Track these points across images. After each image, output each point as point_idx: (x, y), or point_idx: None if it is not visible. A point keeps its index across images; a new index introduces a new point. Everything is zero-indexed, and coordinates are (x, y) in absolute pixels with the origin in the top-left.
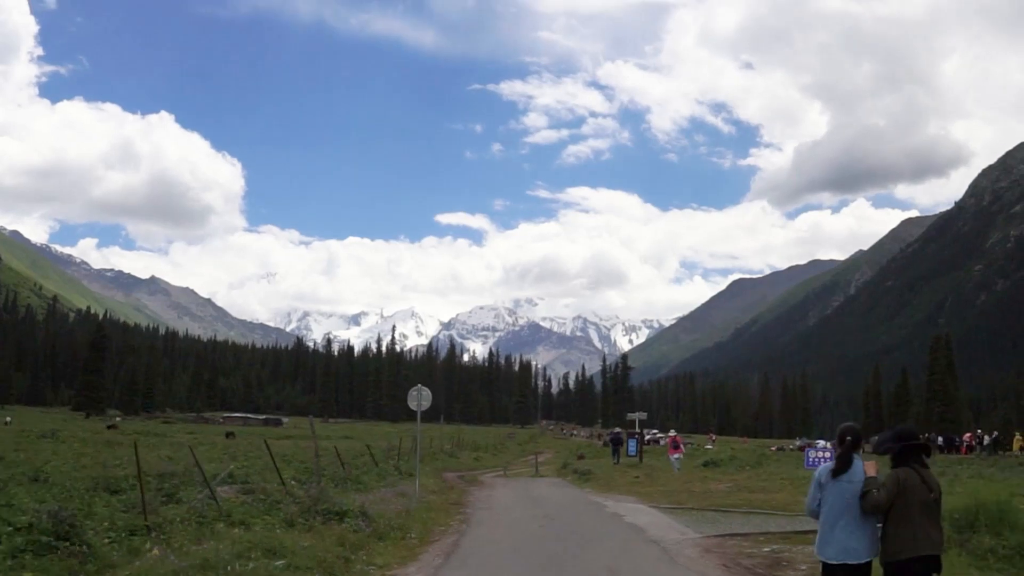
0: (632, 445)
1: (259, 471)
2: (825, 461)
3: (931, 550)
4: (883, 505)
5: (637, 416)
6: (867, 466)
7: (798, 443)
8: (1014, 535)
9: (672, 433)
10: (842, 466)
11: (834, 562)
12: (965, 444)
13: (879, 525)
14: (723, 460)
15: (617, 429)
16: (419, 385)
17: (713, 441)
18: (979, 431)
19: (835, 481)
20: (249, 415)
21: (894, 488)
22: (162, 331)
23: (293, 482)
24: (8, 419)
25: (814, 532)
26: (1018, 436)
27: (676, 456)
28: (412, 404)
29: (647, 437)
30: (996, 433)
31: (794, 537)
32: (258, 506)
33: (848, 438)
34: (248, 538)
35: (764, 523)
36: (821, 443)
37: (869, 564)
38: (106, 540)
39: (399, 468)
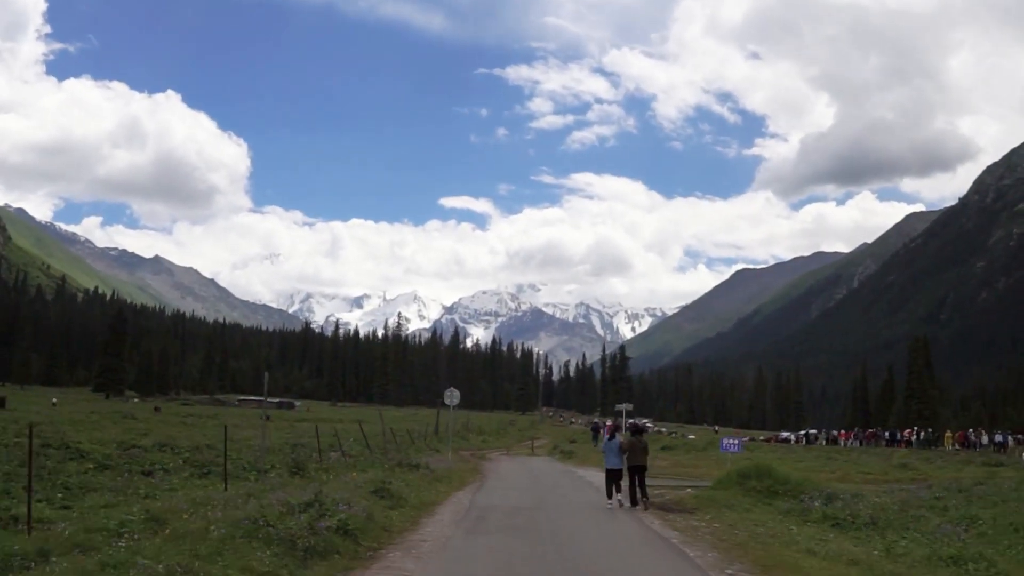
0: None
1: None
2: (735, 448)
3: (640, 462)
4: (625, 448)
5: (624, 407)
6: (621, 437)
7: (761, 437)
8: (767, 480)
9: (608, 422)
10: (610, 437)
11: (609, 468)
12: (904, 439)
13: (624, 456)
14: (677, 445)
15: (596, 420)
16: (451, 388)
17: (715, 432)
18: (916, 428)
19: (608, 442)
20: (263, 398)
21: (626, 444)
22: (168, 312)
23: (367, 451)
24: (55, 400)
25: (698, 486)
26: (948, 434)
27: (612, 443)
28: (447, 400)
29: (633, 424)
30: (930, 430)
31: (683, 488)
32: (366, 462)
33: (613, 428)
34: (375, 475)
35: (676, 482)
36: (734, 440)
37: (620, 470)
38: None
39: (429, 445)
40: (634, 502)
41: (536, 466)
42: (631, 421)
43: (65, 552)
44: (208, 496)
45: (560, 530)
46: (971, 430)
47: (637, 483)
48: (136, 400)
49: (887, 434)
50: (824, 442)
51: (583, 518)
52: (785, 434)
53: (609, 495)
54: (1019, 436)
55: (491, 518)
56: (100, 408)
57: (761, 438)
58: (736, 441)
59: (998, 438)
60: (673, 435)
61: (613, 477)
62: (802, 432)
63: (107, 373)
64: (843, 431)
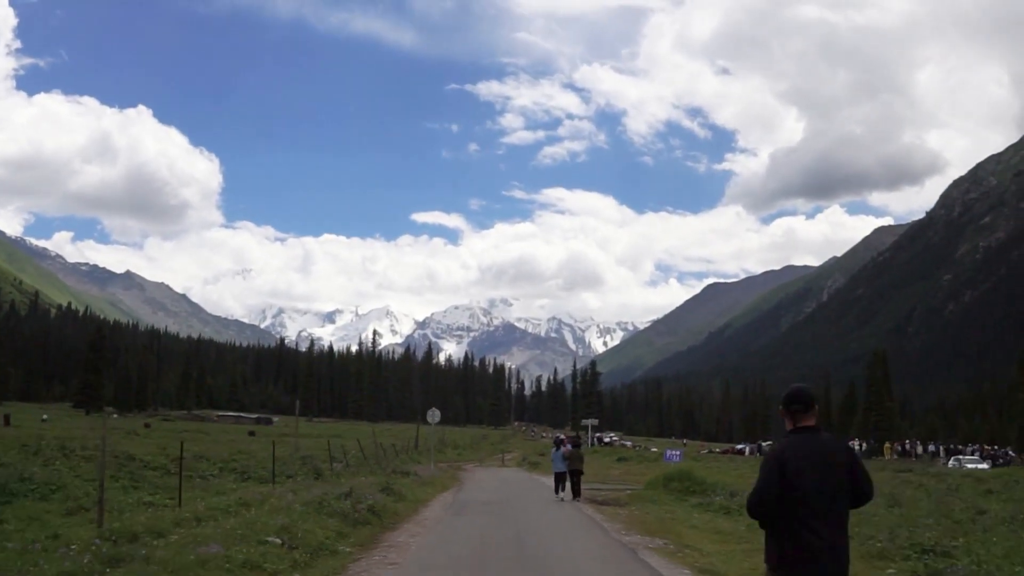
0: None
1: (334, 456)
2: (676, 457)
3: (577, 467)
4: (567, 456)
5: (589, 423)
6: (565, 450)
7: (717, 449)
8: (686, 482)
9: (563, 437)
10: (556, 448)
11: (556, 471)
12: None
13: (566, 461)
14: (632, 456)
15: (559, 435)
16: (433, 408)
17: (684, 444)
18: (858, 439)
19: (555, 452)
20: (241, 414)
21: (568, 453)
22: (142, 327)
23: (364, 461)
24: (45, 416)
25: (636, 489)
26: (887, 444)
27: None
28: (429, 419)
29: (605, 440)
30: (872, 441)
31: (623, 490)
32: (367, 470)
33: (569, 441)
34: (378, 479)
35: (620, 486)
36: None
37: (564, 473)
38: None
39: (411, 457)
40: (576, 495)
41: (505, 475)
42: (597, 435)
43: (207, 519)
44: (267, 491)
45: (519, 513)
46: (907, 441)
47: (574, 482)
48: (115, 416)
49: None
50: None
51: (537, 507)
52: (740, 446)
53: (556, 491)
54: (951, 447)
55: (470, 507)
56: (93, 424)
57: (717, 450)
58: (677, 452)
59: (931, 448)
60: (637, 448)
61: (559, 479)
62: (755, 444)
63: (87, 390)
64: None
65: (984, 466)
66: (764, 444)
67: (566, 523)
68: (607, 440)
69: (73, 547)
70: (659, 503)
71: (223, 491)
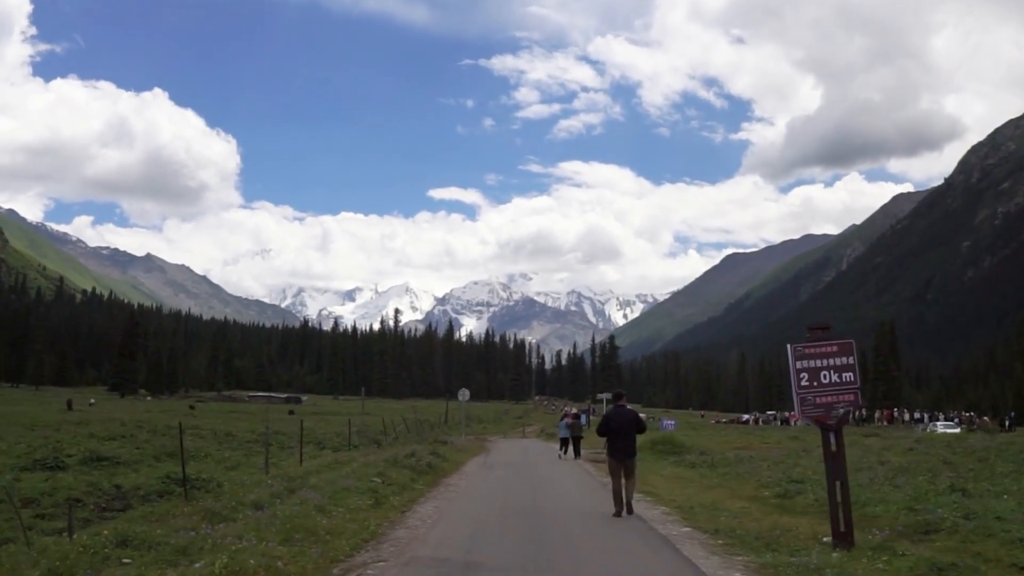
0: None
1: (382, 429)
2: (671, 426)
3: (578, 433)
4: (569, 425)
5: (605, 396)
6: (568, 420)
7: (724, 419)
8: (668, 445)
9: (573, 411)
10: (562, 419)
11: (561, 436)
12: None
13: (569, 429)
14: None
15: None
16: (463, 388)
17: (701, 416)
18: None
19: (560, 422)
20: (272, 394)
21: (570, 423)
22: (166, 310)
23: (407, 432)
24: (92, 400)
25: (646, 454)
26: (878, 412)
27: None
28: (460, 397)
29: None
30: (864, 409)
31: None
32: (413, 440)
33: (567, 415)
34: (425, 447)
35: None
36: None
37: (567, 438)
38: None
39: (443, 431)
40: (576, 455)
41: (525, 444)
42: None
43: (318, 472)
44: (349, 456)
45: (532, 468)
46: (895, 409)
47: (575, 446)
48: (149, 398)
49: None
50: (779, 423)
51: (546, 464)
52: (746, 417)
53: (561, 451)
54: (934, 414)
55: (497, 465)
56: (149, 407)
57: (724, 420)
58: (672, 421)
59: (917, 415)
60: (650, 419)
61: (563, 443)
62: (759, 414)
63: (122, 373)
64: (792, 412)
65: (956, 430)
66: (769, 413)
67: (565, 472)
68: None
69: (269, 482)
70: (646, 463)
71: (315, 455)
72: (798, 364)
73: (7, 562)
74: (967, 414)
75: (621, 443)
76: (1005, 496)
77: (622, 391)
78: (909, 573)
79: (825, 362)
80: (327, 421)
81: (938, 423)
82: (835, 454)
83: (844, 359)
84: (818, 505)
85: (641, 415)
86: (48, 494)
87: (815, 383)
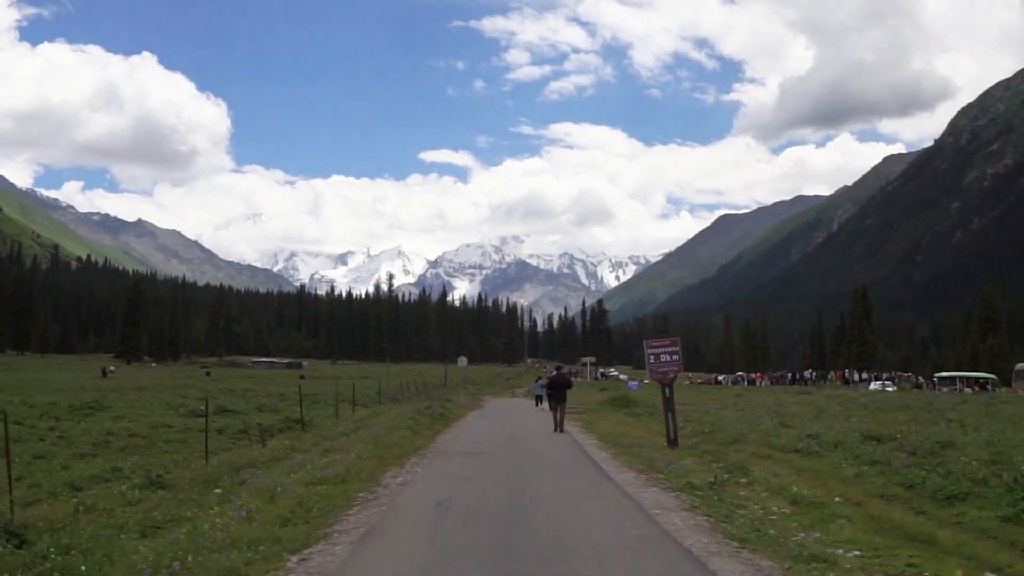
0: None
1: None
2: (635, 386)
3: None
4: (545, 385)
5: (588, 360)
6: (543, 380)
7: (699, 380)
8: (624, 402)
9: (554, 373)
10: (537, 379)
11: (536, 393)
12: (802, 378)
13: (544, 388)
14: (612, 387)
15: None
16: (462, 356)
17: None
18: (812, 369)
19: (536, 382)
20: (273, 359)
21: (545, 382)
22: (158, 276)
23: (417, 393)
24: (112, 368)
25: (604, 408)
26: (832, 374)
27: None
28: (459, 364)
29: (610, 374)
30: (820, 370)
31: (589, 408)
32: (422, 398)
33: (549, 377)
34: (434, 403)
35: (589, 406)
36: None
37: (541, 396)
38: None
39: (443, 392)
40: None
41: (514, 403)
42: (600, 370)
43: (369, 419)
44: (384, 408)
45: (516, 418)
46: (846, 370)
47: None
48: (154, 365)
49: (790, 375)
50: (745, 383)
51: (527, 415)
52: (720, 377)
53: (536, 405)
54: (879, 375)
55: (489, 416)
56: (163, 374)
57: (699, 381)
58: (636, 382)
59: (865, 375)
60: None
61: (538, 399)
62: (731, 375)
63: (127, 341)
64: (759, 373)
65: (891, 389)
66: (739, 375)
67: (540, 421)
68: (611, 374)
69: (341, 423)
70: (601, 413)
71: (347, 411)
72: (648, 350)
73: (247, 454)
74: (906, 375)
75: (557, 393)
76: (799, 427)
77: (561, 364)
78: (692, 451)
79: (663, 349)
80: (339, 384)
81: (874, 383)
82: (668, 398)
83: (674, 348)
84: (685, 430)
85: (573, 377)
86: (221, 430)
87: (658, 360)
